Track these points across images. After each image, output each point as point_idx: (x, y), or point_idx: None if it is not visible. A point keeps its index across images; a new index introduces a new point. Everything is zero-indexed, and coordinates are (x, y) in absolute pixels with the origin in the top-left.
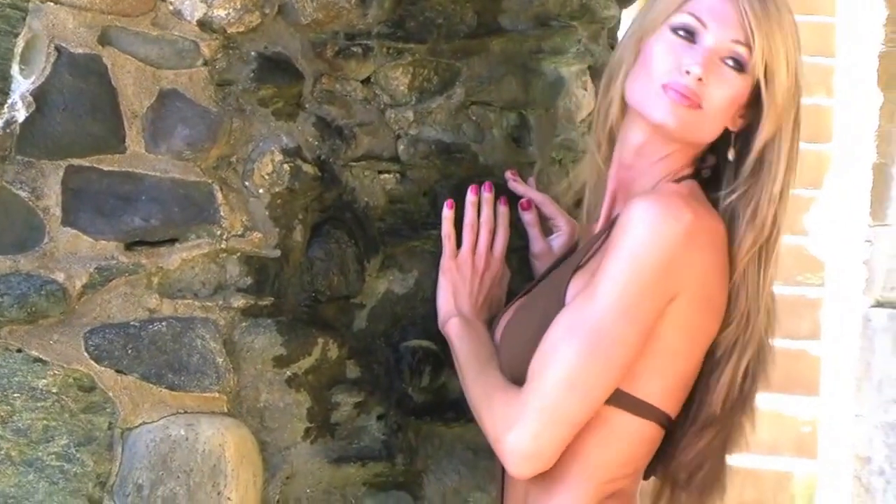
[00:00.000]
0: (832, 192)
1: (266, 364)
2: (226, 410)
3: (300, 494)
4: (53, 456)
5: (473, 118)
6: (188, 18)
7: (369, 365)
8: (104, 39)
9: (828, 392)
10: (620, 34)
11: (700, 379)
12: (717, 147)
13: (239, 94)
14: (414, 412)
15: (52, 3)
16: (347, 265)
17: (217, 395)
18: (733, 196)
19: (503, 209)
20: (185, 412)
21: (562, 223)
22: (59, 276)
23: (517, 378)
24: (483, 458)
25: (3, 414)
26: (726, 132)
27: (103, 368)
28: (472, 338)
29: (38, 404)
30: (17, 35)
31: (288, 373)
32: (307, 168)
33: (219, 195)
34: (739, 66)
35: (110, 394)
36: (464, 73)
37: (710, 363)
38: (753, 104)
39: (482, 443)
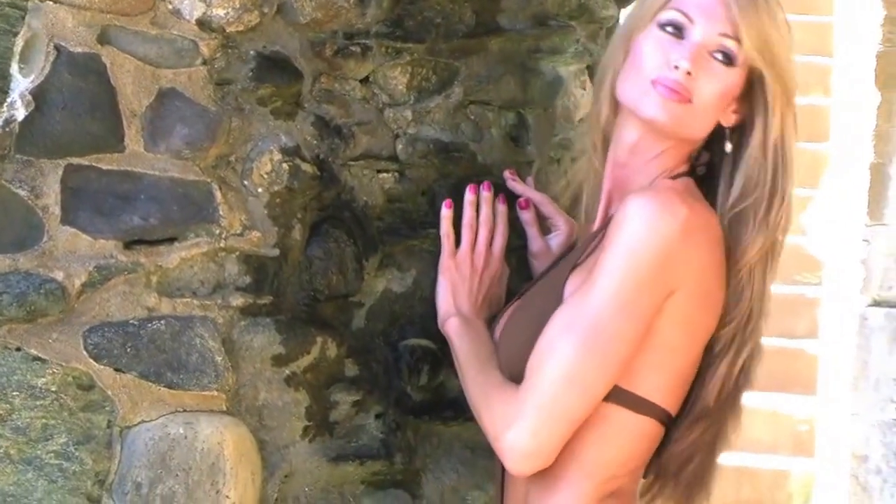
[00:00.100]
0: (830, 192)
1: (265, 363)
2: (224, 409)
3: (298, 493)
4: (52, 454)
5: (472, 117)
6: (187, 18)
7: (368, 364)
8: (103, 38)
9: (825, 391)
10: None
11: (697, 374)
12: (712, 144)
13: (238, 94)
14: (412, 411)
15: (51, 2)
16: (346, 264)
17: (216, 393)
18: (736, 196)
19: (502, 208)
20: (184, 411)
21: (560, 222)
22: (58, 275)
23: (516, 376)
24: (481, 456)
25: (2, 412)
26: (720, 128)
27: (102, 367)
28: (471, 337)
29: (37, 403)
30: (16, 34)
31: (286, 371)
32: (306, 167)
33: (218, 194)
34: (728, 59)
35: (109, 392)
36: (462, 72)
37: (708, 358)
38: (746, 98)
39: (481, 441)
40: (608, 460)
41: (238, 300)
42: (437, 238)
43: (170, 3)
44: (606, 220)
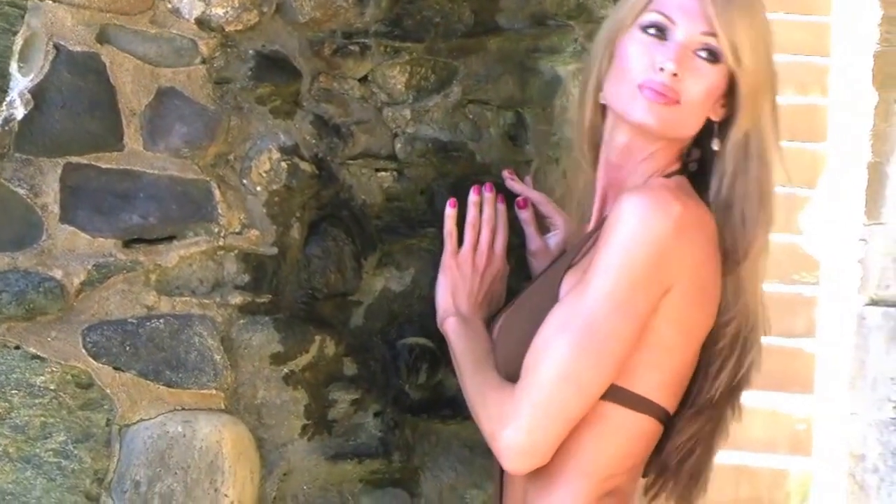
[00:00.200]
0: (827, 191)
1: (263, 361)
2: (223, 407)
3: (297, 491)
4: (51, 452)
5: (470, 117)
6: (186, 17)
7: (366, 362)
8: (102, 37)
9: (823, 390)
10: None
11: (699, 369)
12: (702, 139)
13: (237, 93)
14: (410, 409)
15: (50, 1)
16: (345, 263)
17: (214, 392)
18: (725, 188)
19: (501, 207)
20: (183, 409)
21: (559, 222)
22: (57, 274)
23: (513, 375)
24: (479, 455)
25: (1, 410)
26: (709, 123)
27: (101, 365)
28: (469, 336)
29: (36, 401)
30: (15, 33)
31: (285, 370)
32: (305, 166)
33: (216, 193)
34: (713, 56)
35: (108, 391)
36: (461, 71)
37: (711, 354)
38: (732, 93)
39: (478, 440)
40: (606, 459)
41: (237, 299)
42: (436, 237)
43: (169, 2)
44: (601, 220)
